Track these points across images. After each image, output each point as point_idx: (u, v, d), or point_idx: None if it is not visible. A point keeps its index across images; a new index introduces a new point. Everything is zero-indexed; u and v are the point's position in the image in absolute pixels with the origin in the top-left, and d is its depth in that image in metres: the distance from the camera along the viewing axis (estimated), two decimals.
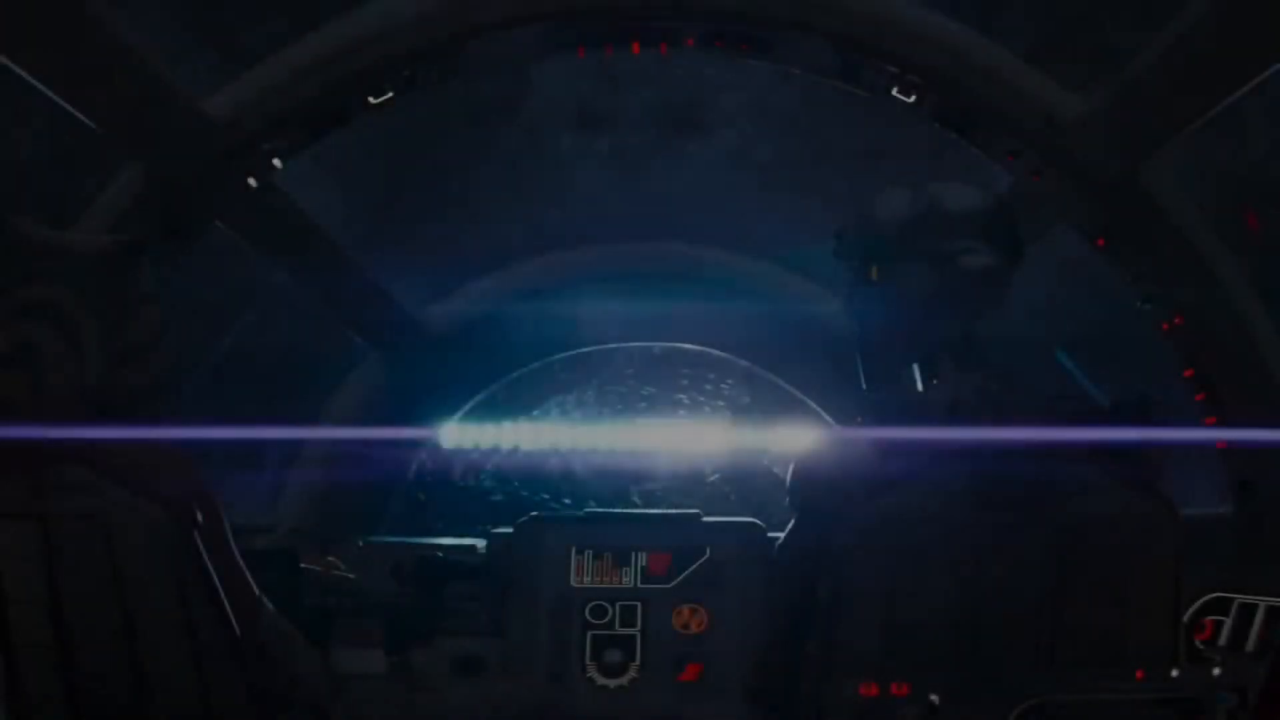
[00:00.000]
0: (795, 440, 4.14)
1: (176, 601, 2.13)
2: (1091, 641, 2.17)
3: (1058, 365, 4.43)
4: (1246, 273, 3.29)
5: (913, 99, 3.20)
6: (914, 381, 2.41)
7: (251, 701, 2.25)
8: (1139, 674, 2.12)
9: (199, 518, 2.17)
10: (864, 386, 2.48)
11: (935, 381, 2.36)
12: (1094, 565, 2.17)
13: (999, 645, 2.18)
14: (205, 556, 2.17)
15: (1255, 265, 3.38)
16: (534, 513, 3.71)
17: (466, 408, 4.47)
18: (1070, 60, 3.88)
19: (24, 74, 2.70)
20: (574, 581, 3.42)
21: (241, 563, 2.34)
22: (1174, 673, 2.13)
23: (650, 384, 4.76)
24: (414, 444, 4.43)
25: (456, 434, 4.40)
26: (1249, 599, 3.02)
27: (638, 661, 3.31)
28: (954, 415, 2.26)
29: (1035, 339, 4.23)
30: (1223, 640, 3.04)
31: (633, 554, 3.45)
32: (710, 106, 4.57)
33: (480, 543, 3.55)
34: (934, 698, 2.09)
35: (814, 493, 2.35)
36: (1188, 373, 3.33)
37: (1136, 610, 2.16)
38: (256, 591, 2.36)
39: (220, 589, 2.20)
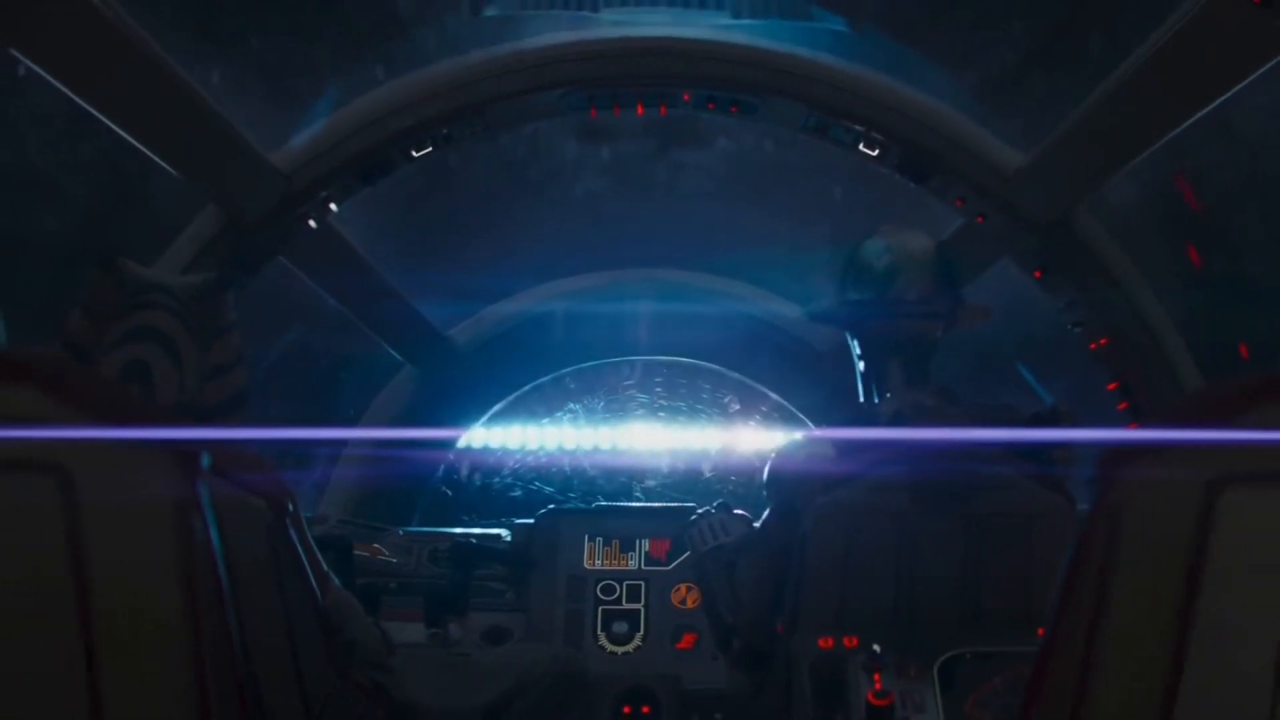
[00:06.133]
0: (779, 441, 4.42)
1: (273, 578, 2.39)
2: (1002, 606, 2.54)
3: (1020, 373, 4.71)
4: (1162, 301, 3.63)
5: (876, 153, 3.55)
6: (869, 395, 2.83)
7: (330, 660, 2.56)
8: (1040, 631, 2.49)
9: (290, 507, 2.50)
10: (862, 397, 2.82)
11: (888, 394, 2.76)
12: (1006, 546, 2.55)
13: (928, 608, 2.56)
14: (296, 539, 2.47)
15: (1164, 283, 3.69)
16: (551, 506, 4.02)
17: (489, 414, 4.65)
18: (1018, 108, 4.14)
19: (123, 133, 3.05)
20: (586, 564, 3.73)
21: (313, 545, 2.66)
22: None
23: (651, 393, 4.87)
24: (442, 446, 4.61)
25: (480, 437, 4.63)
26: None
27: (642, 632, 3.63)
28: (896, 423, 2.64)
29: (1005, 349, 4.44)
30: None
31: (637, 541, 3.78)
32: (707, 130, 4.72)
33: (505, 532, 3.84)
34: (876, 648, 2.43)
35: (784, 486, 2.71)
36: (1112, 386, 3.67)
37: (1039, 582, 2.51)
38: (325, 569, 2.69)
39: (307, 566, 2.51)
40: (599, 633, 3.64)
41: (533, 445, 4.69)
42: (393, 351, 4.47)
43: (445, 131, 3.55)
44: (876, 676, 2.42)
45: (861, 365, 2.86)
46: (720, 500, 3.15)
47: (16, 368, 1.40)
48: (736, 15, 4.20)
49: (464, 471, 4.76)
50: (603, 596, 3.69)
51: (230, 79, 3.48)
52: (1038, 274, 3.66)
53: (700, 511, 3.06)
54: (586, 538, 3.78)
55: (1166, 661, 1.43)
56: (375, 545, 3.71)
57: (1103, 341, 3.66)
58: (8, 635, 1.39)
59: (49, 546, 1.37)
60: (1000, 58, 4.16)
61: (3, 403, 1.36)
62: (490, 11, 4.16)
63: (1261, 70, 2.70)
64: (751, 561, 2.80)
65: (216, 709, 1.48)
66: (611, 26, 3.85)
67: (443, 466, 4.70)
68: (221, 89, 3.25)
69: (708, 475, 4.80)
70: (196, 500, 1.43)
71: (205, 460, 1.47)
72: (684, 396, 4.88)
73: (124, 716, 1.44)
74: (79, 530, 1.37)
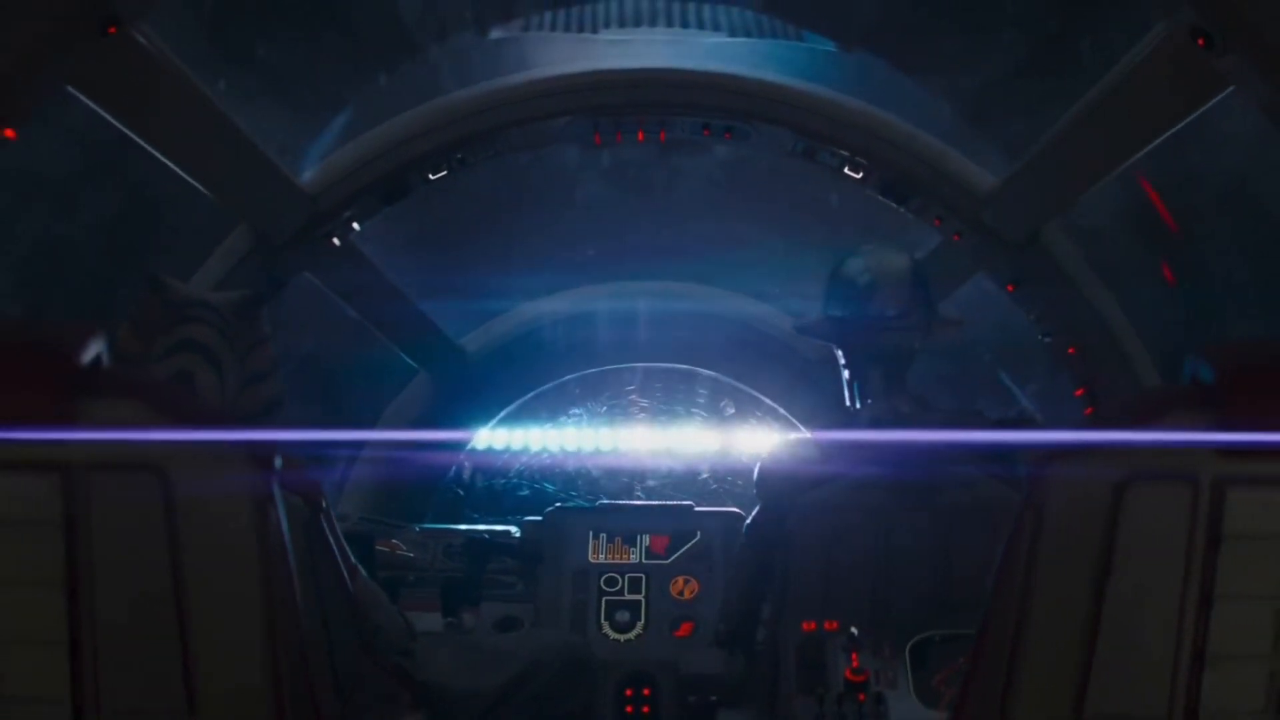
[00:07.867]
0: (770, 443, 4.55)
1: (309, 568, 2.51)
2: (968, 593, 2.62)
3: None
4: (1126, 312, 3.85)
5: (860, 176, 3.79)
6: (852, 401, 3.07)
7: (359, 644, 2.79)
8: None
9: (323, 504, 2.71)
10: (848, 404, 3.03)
11: (869, 401, 3.01)
12: (971, 539, 2.78)
13: (901, 594, 2.81)
14: (329, 533, 2.69)
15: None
16: (557, 504, 4.22)
17: (498, 418, 4.74)
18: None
19: (166, 160, 3.29)
20: (591, 558, 3.94)
21: (342, 538, 2.85)
22: None
23: (651, 398, 4.96)
24: (454, 448, 4.73)
25: (490, 439, 4.73)
26: None
27: (642, 621, 3.84)
28: (876, 427, 2.90)
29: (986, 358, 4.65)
30: None
31: (638, 536, 3.98)
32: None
33: (515, 529, 4.03)
34: (854, 630, 2.67)
35: (773, 485, 2.95)
36: (1079, 392, 3.88)
37: None
38: (354, 561, 2.90)
39: (339, 558, 2.73)
40: (603, 621, 3.85)
41: (539, 447, 4.80)
42: (408, 358, 4.63)
43: (459, 156, 3.79)
44: (854, 656, 2.67)
45: (845, 374, 3.09)
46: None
47: (122, 384, 1.67)
48: (733, 35, 4.45)
49: (474, 472, 4.87)
50: (606, 588, 3.90)
51: (235, 86, 3.64)
52: (1010, 288, 3.89)
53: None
54: (591, 534, 3.98)
55: (1082, 637, 1.67)
56: (394, 541, 3.91)
57: (1070, 350, 3.88)
58: (115, 611, 1.65)
59: (151, 535, 1.63)
60: (993, 67, 4.33)
61: (111, 413, 1.63)
62: (495, 34, 4.41)
63: (1209, 104, 2.94)
64: (740, 556, 3.05)
65: (287, 677, 1.74)
66: (610, 45, 4.10)
67: (454, 467, 4.82)
68: (226, 94, 3.42)
69: (705, 475, 4.92)
70: (271, 495, 1.69)
71: (279, 461, 1.72)
72: (682, 401, 4.98)
73: (212, 684, 1.69)
74: (175, 521, 1.63)
